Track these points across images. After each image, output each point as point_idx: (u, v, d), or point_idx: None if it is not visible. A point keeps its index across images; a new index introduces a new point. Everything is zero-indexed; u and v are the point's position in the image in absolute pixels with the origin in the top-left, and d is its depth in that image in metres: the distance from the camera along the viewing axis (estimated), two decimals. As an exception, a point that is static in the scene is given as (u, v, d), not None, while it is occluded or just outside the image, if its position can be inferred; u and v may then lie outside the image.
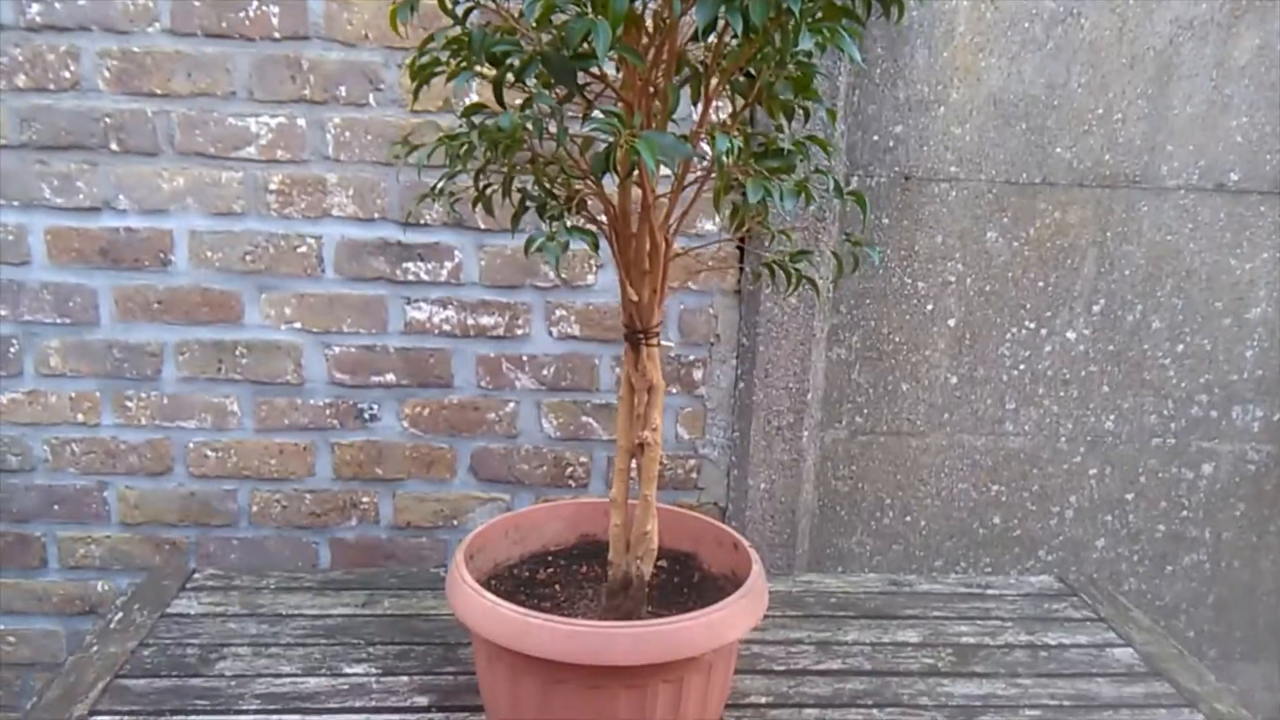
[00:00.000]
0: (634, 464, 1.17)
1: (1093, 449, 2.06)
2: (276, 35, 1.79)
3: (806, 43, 0.92)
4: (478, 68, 0.95)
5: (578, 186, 1.09)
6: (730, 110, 1.19)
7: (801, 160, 1.08)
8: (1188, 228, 1.97)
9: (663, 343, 1.14)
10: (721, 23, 0.86)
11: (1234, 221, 1.96)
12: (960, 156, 1.92)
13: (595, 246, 0.99)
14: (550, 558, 1.32)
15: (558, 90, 0.95)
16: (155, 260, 1.86)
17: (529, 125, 0.93)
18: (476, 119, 1.04)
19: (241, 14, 1.77)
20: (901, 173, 1.93)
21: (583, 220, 1.12)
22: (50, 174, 1.81)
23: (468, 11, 0.97)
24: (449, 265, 1.89)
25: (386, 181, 1.85)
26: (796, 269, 1.17)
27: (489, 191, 1.13)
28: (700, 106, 1.05)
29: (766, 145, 1.10)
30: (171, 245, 1.86)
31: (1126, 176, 1.94)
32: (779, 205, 0.99)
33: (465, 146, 1.00)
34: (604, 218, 1.11)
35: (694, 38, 0.90)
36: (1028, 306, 1.99)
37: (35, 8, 1.75)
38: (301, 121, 1.83)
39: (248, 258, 1.87)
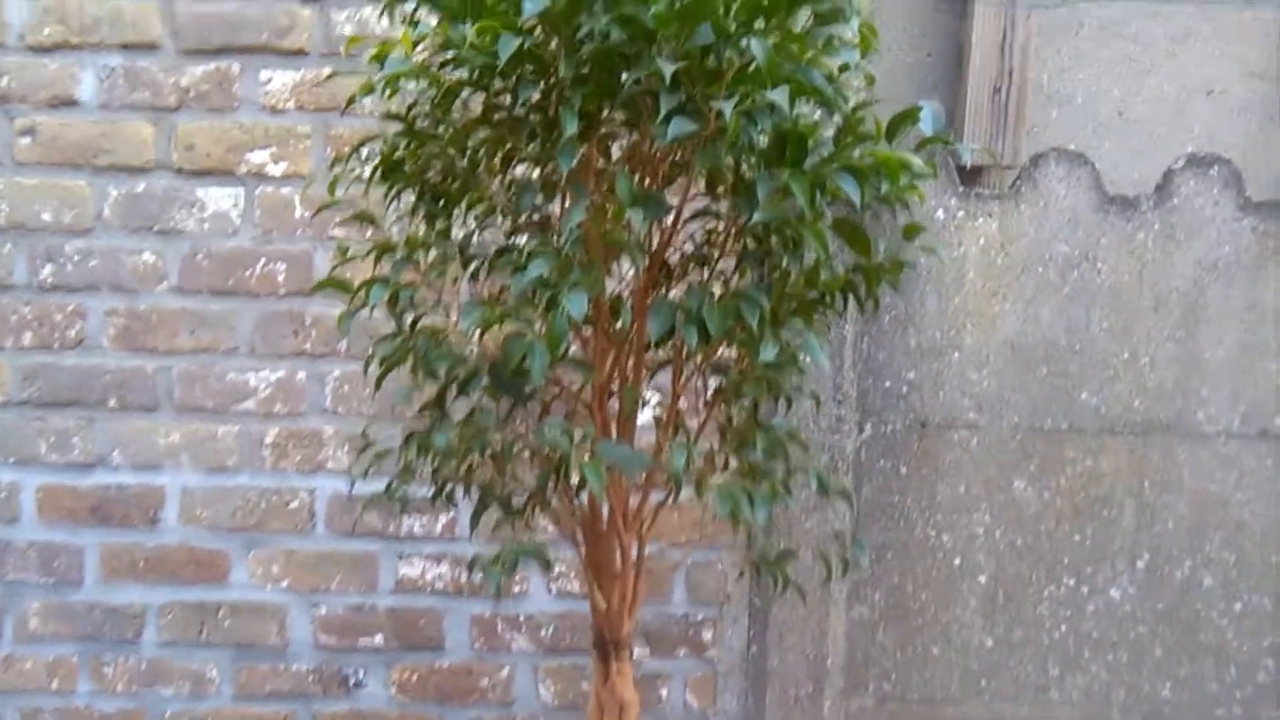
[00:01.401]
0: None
1: (1152, 720, 1.85)
2: (281, 291, 1.79)
3: (769, 353, 0.85)
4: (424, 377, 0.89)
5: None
6: (711, 391, 1.13)
7: (779, 459, 0.99)
8: (1233, 476, 1.83)
9: (633, 658, 1.03)
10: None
11: (1284, 468, 1.83)
12: (979, 402, 1.83)
13: (547, 566, 0.90)
14: None
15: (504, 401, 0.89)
16: (144, 518, 1.81)
17: (470, 440, 0.86)
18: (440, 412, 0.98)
19: (249, 272, 1.79)
20: (918, 419, 1.84)
21: (548, 520, 1.04)
22: (48, 430, 1.79)
23: (414, 323, 0.92)
24: (443, 519, 1.81)
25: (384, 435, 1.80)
26: (782, 573, 1.06)
27: (447, 489, 1.06)
28: (666, 410, 0.98)
29: (742, 435, 1.02)
30: (162, 502, 1.81)
31: (1160, 423, 1.82)
32: (749, 516, 0.90)
33: (416, 451, 0.93)
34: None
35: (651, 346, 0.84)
36: (1065, 562, 1.84)
37: (48, 268, 1.78)
38: (301, 375, 1.81)
39: (238, 514, 1.81)
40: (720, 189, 0.96)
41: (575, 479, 0.81)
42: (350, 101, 1.02)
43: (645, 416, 1.09)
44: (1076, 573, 1.84)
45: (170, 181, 1.76)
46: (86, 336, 1.79)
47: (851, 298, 0.95)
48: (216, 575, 1.81)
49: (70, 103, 1.75)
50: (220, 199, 1.77)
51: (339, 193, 1.07)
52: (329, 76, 1.69)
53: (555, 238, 0.85)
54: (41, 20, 1.73)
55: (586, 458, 0.79)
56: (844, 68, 0.91)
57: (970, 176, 1.88)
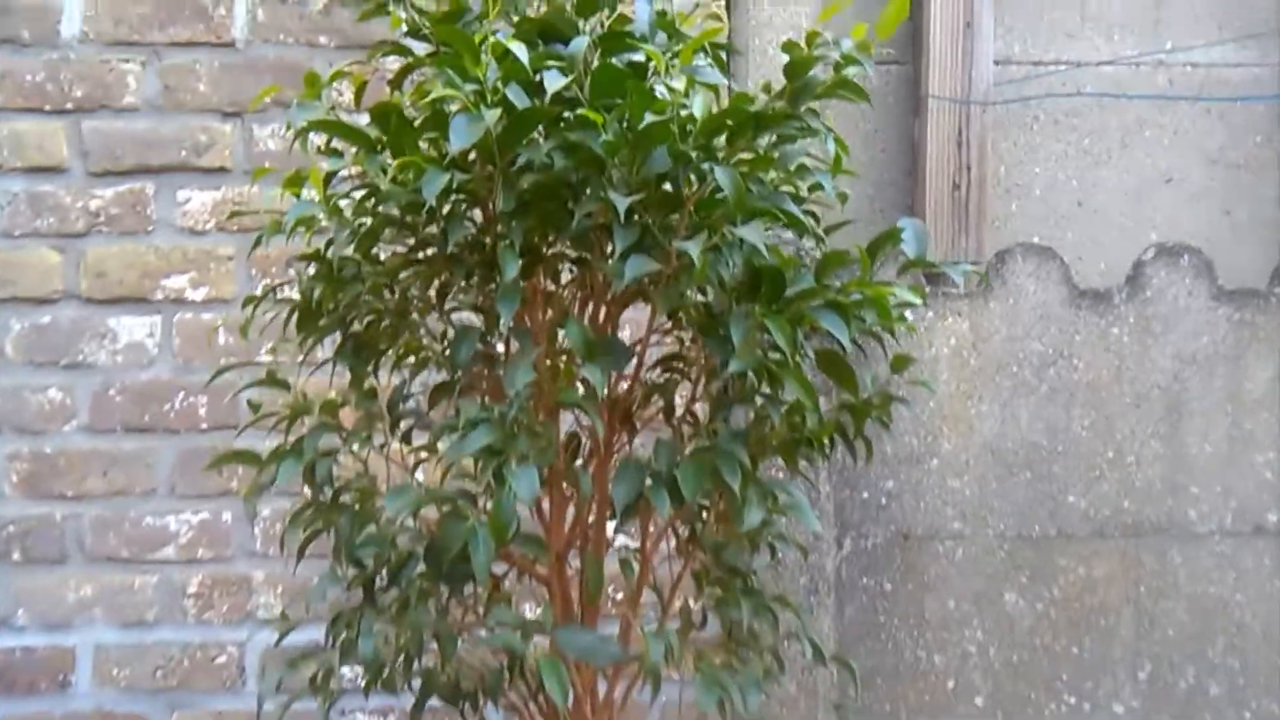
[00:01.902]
0: None
1: None
2: (204, 426, 1.64)
3: (753, 519, 0.72)
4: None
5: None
6: (685, 536, 1.00)
7: (767, 623, 0.86)
8: (1231, 577, 1.74)
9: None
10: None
11: (1282, 566, 1.74)
12: (962, 511, 1.73)
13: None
14: None
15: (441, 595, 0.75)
16: (53, 683, 1.62)
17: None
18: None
19: (167, 406, 1.64)
20: (899, 531, 1.72)
21: (508, 703, 0.89)
22: (-60, 592, 1.61)
23: (335, 496, 0.79)
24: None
25: (313, 573, 1.64)
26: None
27: (384, 675, 0.91)
28: (637, 569, 0.85)
29: (720, 593, 0.89)
30: (73, 664, 1.63)
31: (1152, 524, 1.73)
32: (740, 707, 0.76)
33: (340, 657, 0.79)
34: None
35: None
36: (1064, 678, 1.72)
37: (-58, 412, 1.61)
38: (227, 515, 1.65)
39: (159, 673, 1.63)
40: (684, 322, 0.85)
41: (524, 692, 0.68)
42: (256, 245, 0.90)
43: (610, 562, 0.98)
44: (1077, 689, 1.72)
45: (78, 311, 1.62)
46: (-15, 484, 1.62)
47: (840, 440, 0.84)
48: (134, 747, 1.62)
49: (-32, 231, 1.61)
50: (134, 328, 1.63)
51: (253, 333, 0.95)
52: (233, 214, 1.55)
53: (499, 397, 0.74)
54: (-63, 145, 1.60)
55: (544, 656, 0.65)
56: (815, 187, 0.82)
57: (936, 274, 1.81)
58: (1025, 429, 1.73)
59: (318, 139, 0.87)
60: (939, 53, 1.74)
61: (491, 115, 0.69)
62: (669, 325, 0.88)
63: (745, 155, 0.76)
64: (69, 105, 1.60)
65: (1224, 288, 1.74)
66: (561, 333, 0.88)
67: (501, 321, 0.72)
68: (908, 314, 1.76)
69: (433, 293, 0.93)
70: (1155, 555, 1.73)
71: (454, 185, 0.71)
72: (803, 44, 0.78)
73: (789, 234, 0.87)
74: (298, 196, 0.82)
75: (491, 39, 0.72)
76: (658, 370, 0.90)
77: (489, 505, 0.66)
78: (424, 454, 0.97)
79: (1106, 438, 1.73)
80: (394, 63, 0.98)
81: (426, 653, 0.84)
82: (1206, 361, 1.73)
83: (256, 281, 1.64)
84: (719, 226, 0.73)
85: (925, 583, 1.72)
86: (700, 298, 0.79)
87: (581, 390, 0.81)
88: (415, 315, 0.84)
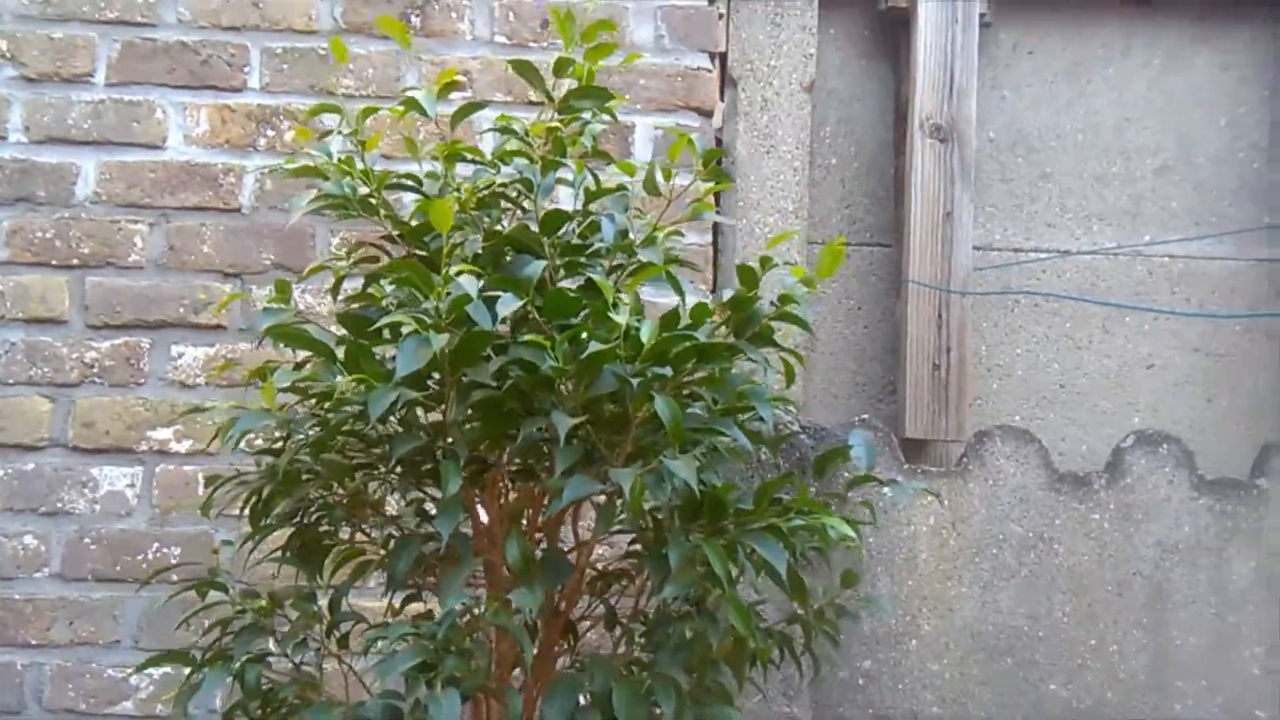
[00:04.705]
0: None
1: None
2: (174, 578, 1.63)
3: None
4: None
5: None
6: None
7: None
8: (1222, 779, 1.67)
9: None
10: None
11: (1275, 770, 1.67)
12: (941, 696, 1.68)
13: None
14: None
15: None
16: (-6, 843, 1.56)
17: None
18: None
19: (140, 556, 1.63)
20: (877, 714, 1.67)
21: None
22: (-110, 741, 1.57)
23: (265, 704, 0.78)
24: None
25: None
26: None
27: None
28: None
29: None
30: (17, 823, 1.56)
31: (1136, 718, 1.68)
32: None
33: None
34: None
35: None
36: None
37: (-83, 554, 1.61)
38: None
39: (105, 838, 1.57)
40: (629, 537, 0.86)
41: None
42: (213, 439, 0.92)
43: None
44: None
45: (63, 460, 1.64)
46: (-50, 631, 1.60)
47: (788, 653, 0.83)
48: None
49: (-36, 378, 1.64)
50: (115, 478, 1.64)
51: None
52: (224, 366, 1.59)
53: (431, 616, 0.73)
54: (-57, 294, 1.65)
55: None
56: (753, 418, 0.83)
57: (914, 450, 1.82)
58: (1006, 613, 1.70)
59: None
60: (919, 240, 1.80)
61: (439, 340, 0.72)
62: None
63: (698, 374, 0.78)
64: (75, 261, 1.66)
65: (1205, 477, 1.73)
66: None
67: (442, 534, 0.72)
68: (885, 490, 1.76)
69: (374, 494, 0.94)
70: (1142, 753, 1.67)
71: (399, 403, 0.74)
72: (757, 267, 0.81)
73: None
74: (261, 386, 0.85)
75: (445, 273, 0.75)
76: (599, 578, 0.90)
77: (416, 721, 0.66)
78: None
79: (1089, 626, 1.70)
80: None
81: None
82: (1189, 551, 1.71)
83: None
84: (656, 453, 0.75)
85: (904, 773, 1.66)
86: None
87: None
88: (361, 516, 0.85)
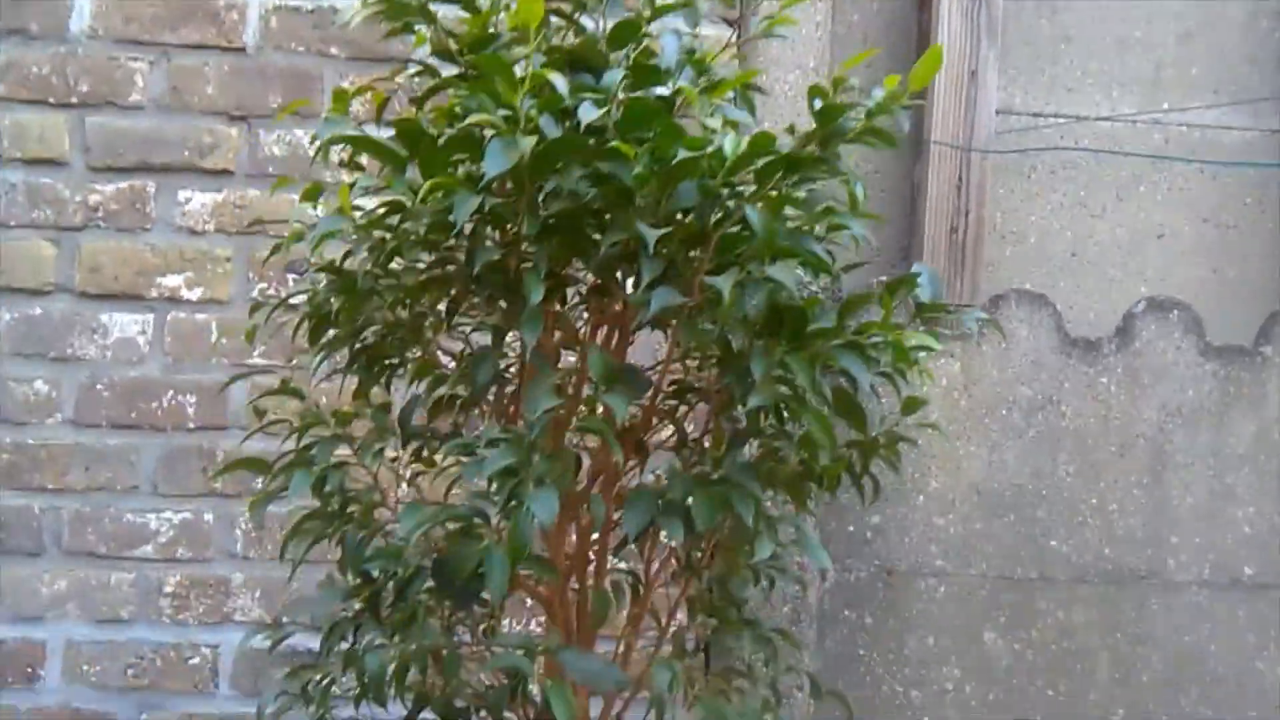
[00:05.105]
0: None
1: None
2: (191, 425, 1.63)
3: (764, 552, 0.72)
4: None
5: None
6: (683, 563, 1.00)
7: (769, 665, 0.86)
8: (1206, 628, 1.75)
9: None
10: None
11: (1255, 621, 1.76)
12: (946, 549, 1.73)
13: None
14: None
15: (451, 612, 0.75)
16: (21, 676, 1.60)
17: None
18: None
19: (155, 404, 1.62)
20: (883, 567, 1.73)
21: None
22: (-90, 581, 1.58)
23: (343, 507, 0.79)
24: (366, 683, 1.62)
25: (300, 581, 1.62)
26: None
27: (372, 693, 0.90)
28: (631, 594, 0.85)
29: (717, 621, 0.89)
30: (43, 658, 1.60)
31: (1132, 572, 1.75)
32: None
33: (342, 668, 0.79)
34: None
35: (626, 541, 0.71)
36: (1039, 719, 1.73)
37: (-75, 398, 1.59)
38: (209, 516, 1.63)
39: (130, 672, 1.61)
40: (696, 354, 0.86)
41: (536, 691, 0.68)
42: (275, 251, 0.90)
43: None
44: (1050, 734, 1.73)
45: (70, 305, 1.60)
46: (-36, 474, 1.59)
47: (847, 477, 0.85)
48: (99, 749, 1.59)
49: (-38, 219, 1.59)
50: (126, 324, 1.61)
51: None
52: (254, 223, 1.54)
53: (505, 417, 0.73)
54: (-63, 129, 1.59)
55: (549, 679, 0.65)
56: (836, 228, 0.83)
57: (929, 314, 1.82)
58: (1011, 472, 1.74)
59: (339, 152, 0.87)
60: (943, 100, 1.77)
61: (526, 143, 0.70)
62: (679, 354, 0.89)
63: (770, 194, 0.77)
64: (73, 99, 1.59)
65: (1211, 344, 1.76)
66: (570, 355, 0.88)
67: (526, 344, 0.72)
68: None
69: (442, 308, 0.93)
70: (1134, 603, 1.75)
71: (484, 208, 0.72)
72: (828, 87, 0.79)
73: (800, 272, 0.88)
74: (314, 207, 0.82)
75: (532, 69, 0.72)
76: (669, 398, 0.90)
77: (503, 525, 0.66)
78: (423, 467, 0.96)
79: (1091, 485, 1.75)
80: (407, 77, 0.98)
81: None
82: (1192, 415, 1.75)
83: (253, 284, 1.63)
84: (745, 263, 0.74)
85: (906, 619, 1.73)
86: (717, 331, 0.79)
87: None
88: (429, 332, 0.84)
